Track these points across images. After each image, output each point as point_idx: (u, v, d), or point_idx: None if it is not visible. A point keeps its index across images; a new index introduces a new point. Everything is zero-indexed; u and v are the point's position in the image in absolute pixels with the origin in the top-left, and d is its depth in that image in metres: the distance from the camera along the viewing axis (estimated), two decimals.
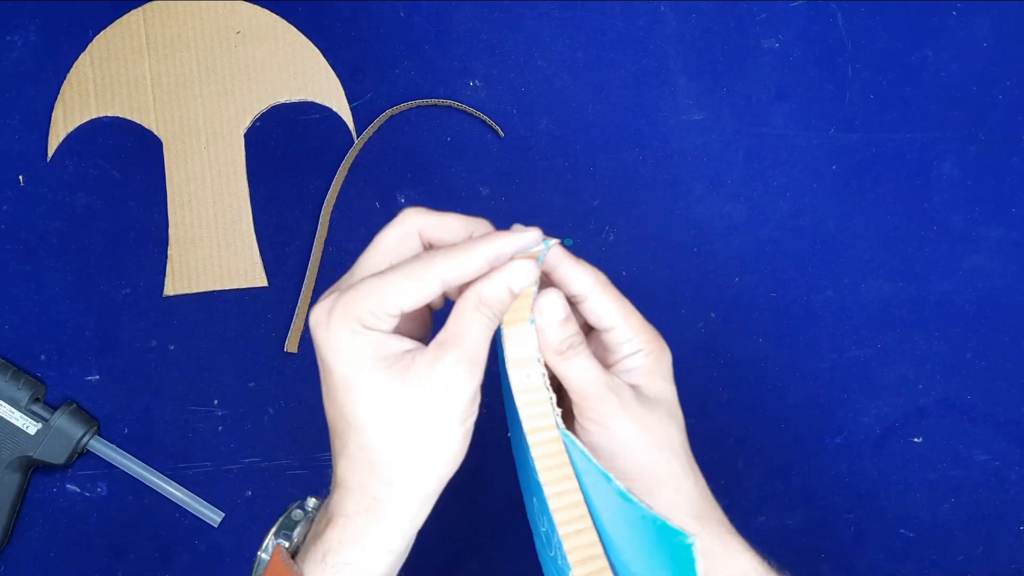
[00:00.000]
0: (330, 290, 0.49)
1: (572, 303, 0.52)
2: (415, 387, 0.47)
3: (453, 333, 0.47)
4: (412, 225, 0.50)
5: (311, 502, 0.54)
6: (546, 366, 0.50)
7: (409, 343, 0.48)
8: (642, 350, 0.51)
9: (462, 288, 0.48)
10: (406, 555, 0.50)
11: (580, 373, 0.50)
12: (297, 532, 0.52)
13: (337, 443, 0.49)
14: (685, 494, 0.51)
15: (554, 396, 0.49)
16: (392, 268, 0.48)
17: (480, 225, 0.50)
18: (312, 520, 0.52)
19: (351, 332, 0.46)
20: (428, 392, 0.47)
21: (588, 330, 0.54)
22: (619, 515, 0.48)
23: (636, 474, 0.50)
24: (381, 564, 0.48)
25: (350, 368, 0.47)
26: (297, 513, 0.53)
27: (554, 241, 0.49)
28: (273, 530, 0.52)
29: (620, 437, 0.50)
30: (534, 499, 0.52)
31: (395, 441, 0.47)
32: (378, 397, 0.47)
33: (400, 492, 0.48)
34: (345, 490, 0.48)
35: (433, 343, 0.48)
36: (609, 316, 0.51)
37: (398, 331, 0.49)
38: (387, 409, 0.47)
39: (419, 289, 0.46)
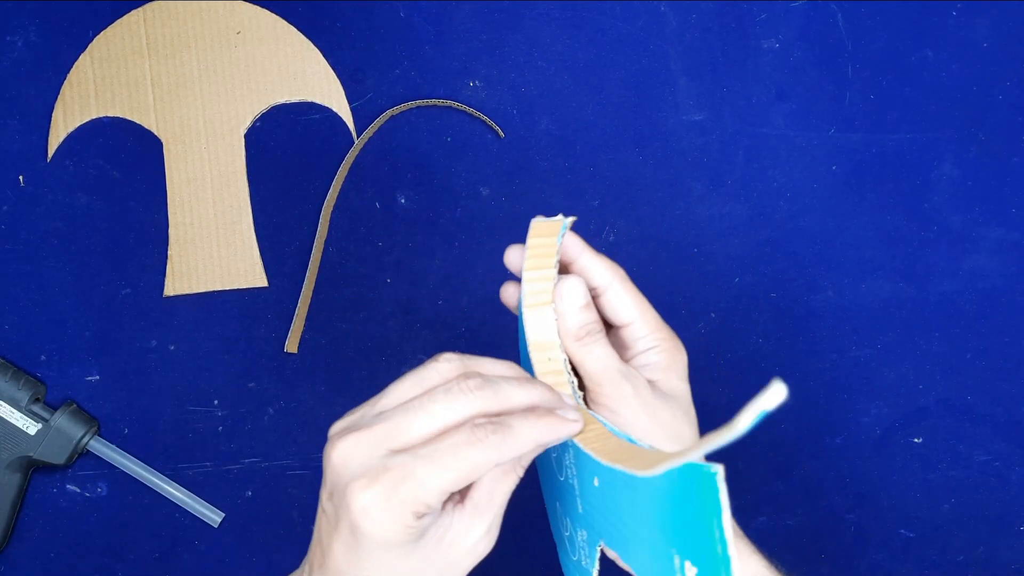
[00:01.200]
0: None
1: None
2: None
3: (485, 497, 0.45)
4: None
5: None
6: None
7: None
8: (657, 347, 0.52)
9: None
10: None
11: (596, 359, 0.50)
12: None
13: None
14: None
15: (575, 380, 0.50)
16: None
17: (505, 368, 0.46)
18: None
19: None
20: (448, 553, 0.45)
21: (605, 328, 0.53)
22: (636, 494, 0.43)
23: None
24: None
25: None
26: None
27: (571, 219, 0.50)
28: None
29: (631, 425, 0.49)
30: (557, 503, 0.52)
31: None
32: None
33: None
34: None
35: (469, 506, 0.45)
36: (626, 311, 0.51)
37: None
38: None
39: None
